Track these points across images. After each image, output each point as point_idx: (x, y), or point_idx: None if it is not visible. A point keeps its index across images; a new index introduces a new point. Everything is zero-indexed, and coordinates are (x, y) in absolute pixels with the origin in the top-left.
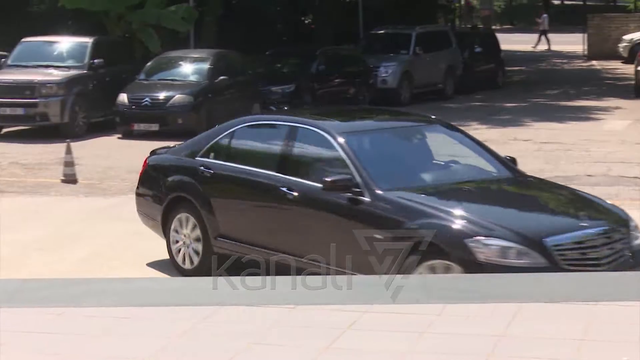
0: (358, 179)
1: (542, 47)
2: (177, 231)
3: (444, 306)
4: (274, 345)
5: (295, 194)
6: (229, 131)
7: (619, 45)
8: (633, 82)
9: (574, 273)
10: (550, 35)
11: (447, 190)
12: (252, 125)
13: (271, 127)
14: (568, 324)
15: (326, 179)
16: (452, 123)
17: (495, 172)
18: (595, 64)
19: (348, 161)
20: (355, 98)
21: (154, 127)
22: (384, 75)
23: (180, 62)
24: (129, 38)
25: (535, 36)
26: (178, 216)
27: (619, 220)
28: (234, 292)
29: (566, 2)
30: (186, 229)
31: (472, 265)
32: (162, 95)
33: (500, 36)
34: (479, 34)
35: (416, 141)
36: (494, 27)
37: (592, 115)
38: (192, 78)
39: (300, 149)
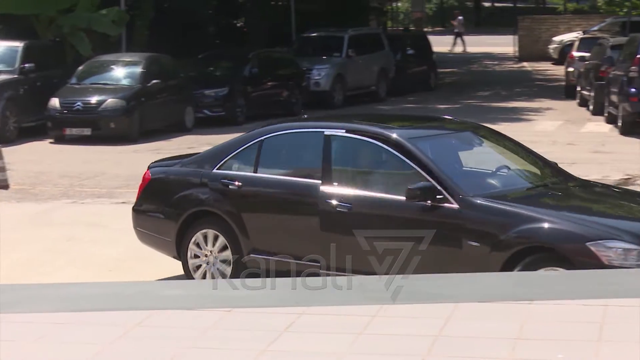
0: (439, 185)
1: (458, 49)
2: (199, 247)
3: (380, 307)
4: (209, 349)
5: (349, 205)
6: (255, 141)
7: (549, 46)
8: (563, 83)
9: (507, 272)
10: (482, 37)
11: (533, 195)
12: (282, 134)
13: (306, 135)
14: (503, 323)
15: (410, 187)
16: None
17: (551, 175)
18: (526, 65)
19: (425, 168)
20: (289, 101)
21: (87, 131)
22: (316, 78)
23: (112, 66)
24: (59, 42)
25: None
26: (199, 232)
27: None
28: (170, 296)
29: (497, 4)
30: (210, 246)
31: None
32: (94, 99)
33: (432, 38)
34: (411, 37)
35: (472, 146)
36: (425, 29)
37: (524, 116)
38: (125, 82)
39: (352, 158)
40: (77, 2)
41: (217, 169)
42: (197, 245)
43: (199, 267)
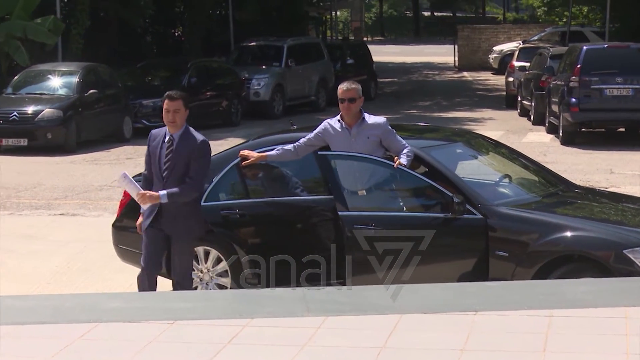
0: (463, 196)
1: None
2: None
3: (325, 319)
4: None
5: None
6: (232, 164)
7: (489, 56)
8: (504, 93)
9: (452, 284)
10: (421, 47)
11: (554, 203)
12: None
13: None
14: (448, 334)
15: (456, 200)
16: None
17: (555, 183)
18: (467, 75)
19: (443, 178)
20: (228, 111)
21: (23, 142)
22: (256, 87)
23: (49, 76)
24: None
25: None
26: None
27: None
28: (112, 308)
29: (436, 14)
30: (203, 264)
31: (633, 276)
32: (30, 109)
33: (371, 48)
34: (351, 46)
35: (470, 155)
36: (365, 38)
37: (465, 126)
38: (61, 92)
39: (356, 173)
40: (11, 10)
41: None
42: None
43: (195, 288)
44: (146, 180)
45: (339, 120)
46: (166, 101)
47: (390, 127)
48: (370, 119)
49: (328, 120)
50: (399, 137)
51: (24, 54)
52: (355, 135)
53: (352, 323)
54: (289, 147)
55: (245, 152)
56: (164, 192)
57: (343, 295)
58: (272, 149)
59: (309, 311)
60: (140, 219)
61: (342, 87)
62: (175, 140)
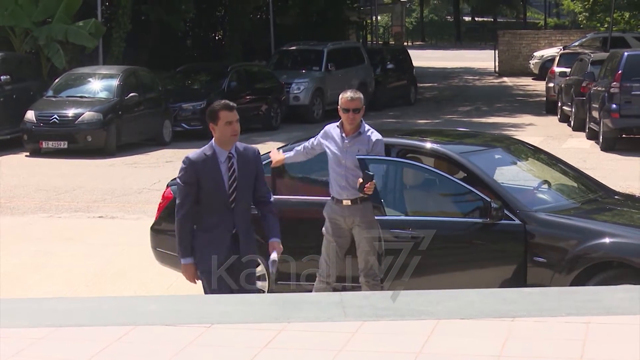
0: (501, 202)
1: None
2: None
3: (361, 324)
4: None
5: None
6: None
7: (530, 61)
8: (544, 98)
9: (490, 289)
10: (462, 52)
11: (593, 210)
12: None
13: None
14: (485, 340)
15: (494, 205)
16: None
17: (594, 189)
18: (507, 80)
19: (482, 183)
20: (268, 115)
21: (63, 144)
22: (296, 92)
23: (89, 79)
24: (35, 54)
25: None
26: None
27: None
28: (149, 311)
29: (477, 19)
30: None
31: None
32: (70, 112)
33: (412, 52)
34: (391, 51)
35: (509, 161)
36: (405, 43)
37: (505, 132)
38: (101, 95)
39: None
40: (53, 14)
41: None
42: None
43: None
44: (186, 218)
45: (338, 127)
46: (225, 112)
47: (380, 150)
48: (367, 133)
49: (328, 125)
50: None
51: (62, 57)
52: (348, 146)
53: (389, 328)
54: (300, 147)
55: (272, 154)
56: (276, 239)
57: (380, 300)
58: (292, 149)
59: (346, 316)
60: None
61: (346, 96)
62: (234, 157)
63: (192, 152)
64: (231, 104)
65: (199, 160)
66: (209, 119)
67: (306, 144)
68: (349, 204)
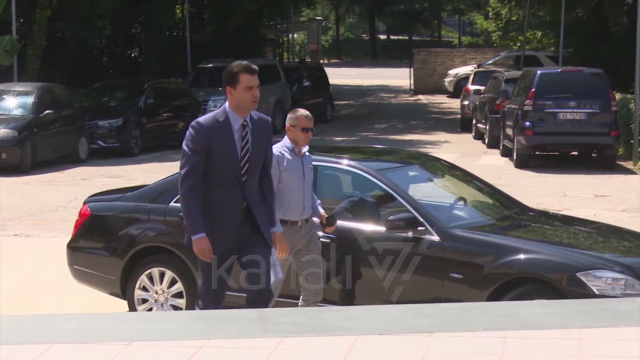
0: (419, 217)
1: None
2: (145, 290)
3: (281, 340)
4: None
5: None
6: None
7: (445, 79)
8: (459, 116)
9: (409, 305)
10: (378, 70)
11: (509, 226)
12: None
13: None
14: (404, 355)
15: (390, 218)
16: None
17: (509, 206)
18: (422, 98)
19: (401, 199)
20: (185, 132)
21: None
22: (212, 109)
23: (4, 96)
24: None
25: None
26: (146, 272)
27: None
28: (67, 329)
29: (392, 37)
30: (160, 285)
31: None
32: None
33: (328, 70)
34: (307, 68)
35: (425, 178)
36: (321, 61)
37: (421, 149)
38: (16, 112)
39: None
40: None
41: (174, 202)
42: (144, 288)
43: (150, 309)
44: (194, 190)
45: (287, 148)
46: (246, 75)
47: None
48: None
49: (276, 147)
50: None
51: None
52: (304, 163)
53: (308, 344)
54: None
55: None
56: (277, 228)
57: (300, 317)
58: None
59: (266, 332)
60: None
61: (305, 115)
62: (249, 127)
63: (202, 117)
64: (253, 66)
65: (210, 126)
66: (226, 81)
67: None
68: (305, 223)
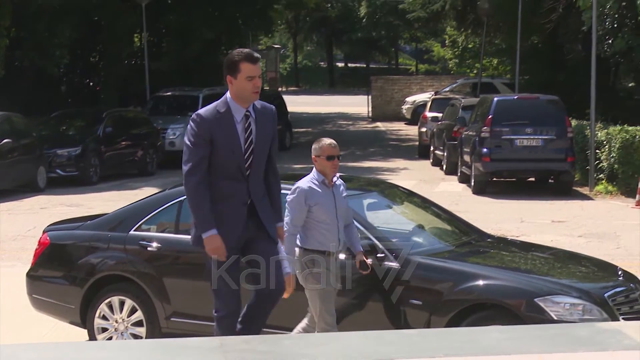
0: (379, 244)
1: None
2: (105, 319)
3: None
4: None
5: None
6: (175, 200)
7: (402, 107)
8: (416, 143)
9: (370, 331)
10: (336, 97)
11: (467, 252)
12: None
13: None
14: None
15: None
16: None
17: (467, 232)
18: (380, 125)
19: (360, 226)
20: (144, 160)
21: None
22: (171, 137)
23: None
24: None
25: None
26: (105, 301)
27: (629, 276)
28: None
29: (350, 65)
30: (120, 313)
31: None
32: None
33: (286, 98)
34: (266, 96)
35: (384, 205)
36: (280, 88)
37: (380, 176)
38: None
39: None
40: None
41: (133, 231)
42: (103, 317)
43: (110, 338)
44: (203, 185)
45: (317, 181)
46: (247, 65)
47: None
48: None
49: (301, 185)
50: None
51: None
52: (335, 194)
53: None
54: (293, 230)
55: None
56: (281, 224)
57: (261, 344)
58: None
59: None
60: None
61: (328, 143)
62: (252, 117)
63: (202, 109)
64: (255, 54)
65: (212, 118)
66: (226, 70)
67: (294, 224)
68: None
